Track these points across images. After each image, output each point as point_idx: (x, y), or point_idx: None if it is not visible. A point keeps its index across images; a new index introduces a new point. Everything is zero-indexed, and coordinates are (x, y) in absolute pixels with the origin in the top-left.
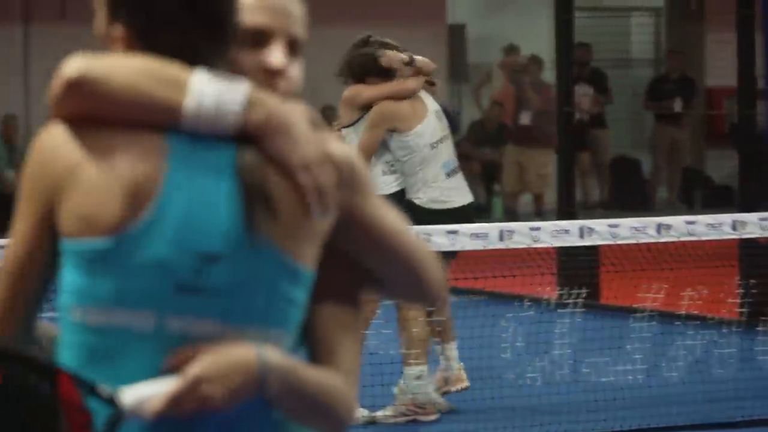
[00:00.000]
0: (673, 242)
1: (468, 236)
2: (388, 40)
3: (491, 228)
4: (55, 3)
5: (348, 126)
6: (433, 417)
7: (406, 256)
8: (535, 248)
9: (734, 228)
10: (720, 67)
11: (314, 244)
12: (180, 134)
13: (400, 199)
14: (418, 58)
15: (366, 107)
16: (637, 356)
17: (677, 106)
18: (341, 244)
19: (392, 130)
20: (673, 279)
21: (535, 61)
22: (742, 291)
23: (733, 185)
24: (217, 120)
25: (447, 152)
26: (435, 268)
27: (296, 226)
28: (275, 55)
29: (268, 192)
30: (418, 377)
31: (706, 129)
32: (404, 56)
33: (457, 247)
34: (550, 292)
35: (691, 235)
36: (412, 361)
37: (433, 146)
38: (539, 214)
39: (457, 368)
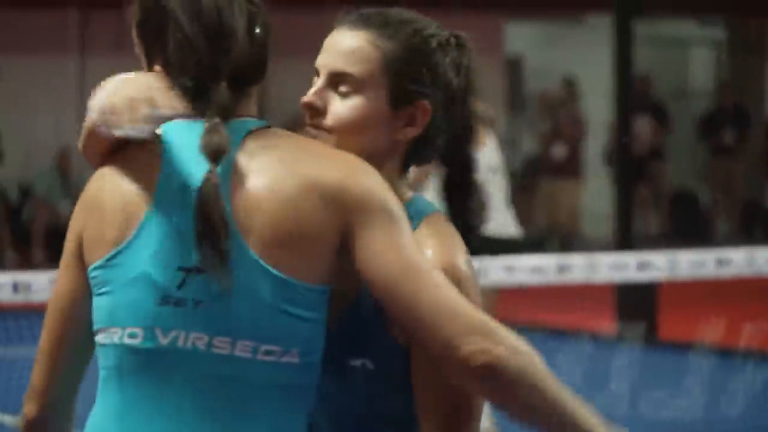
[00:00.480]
0: (732, 277)
1: (526, 270)
2: None
3: (549, 261)
4: (110, 34)
5: None
6: None
7: (408, 301)
8: (594, 283)
9: None
10: None
11: (306, 255)
12: (171, 151)
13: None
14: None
15: None
16: (696, 392)
17: (729, 138)
18: None
19: None
20: (733, 313)
21: (571, 93)
22: None
23: None
24: (107, 124)
25: (503, 183)
26: (458, 320)
27: (272, 236)
28: (308, 93)
29: (227, 211)
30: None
31: (766, 161)
32: None
33: (515, 283)
34: (608, 326)
35: (750, 268)
36: None
37: (493, 171)
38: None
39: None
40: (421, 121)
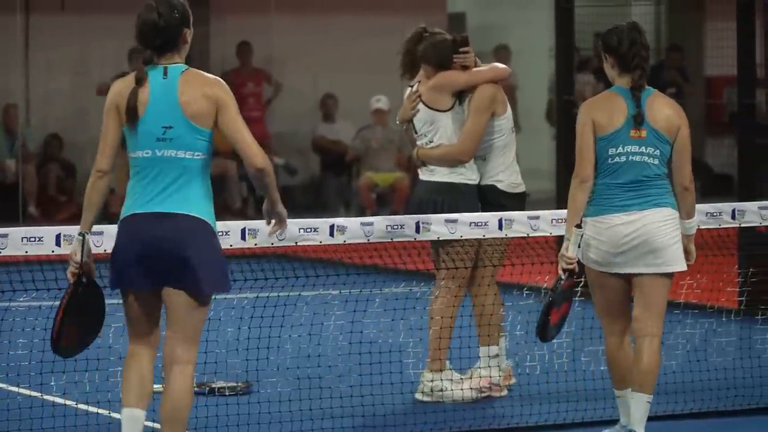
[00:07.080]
0: None
1: (467, 225)
2: (438, 30)
3: (490, 217)
4: None
5: (443, 111)
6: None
7: None
8: (534, 237)
9: (733, 216)
10: (720, 57)
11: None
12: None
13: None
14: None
15: (461, 92)
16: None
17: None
18: None
19: (492, 114)
20: None
21: (504, 58)
22: (741, 280)
23: (732, 174)
24: None
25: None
26: None
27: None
28: None
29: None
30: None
31: (705, 118)
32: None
33: (456, 236)
34: (550, 281)
35: None
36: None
37: (512, 130)
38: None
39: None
40: None
